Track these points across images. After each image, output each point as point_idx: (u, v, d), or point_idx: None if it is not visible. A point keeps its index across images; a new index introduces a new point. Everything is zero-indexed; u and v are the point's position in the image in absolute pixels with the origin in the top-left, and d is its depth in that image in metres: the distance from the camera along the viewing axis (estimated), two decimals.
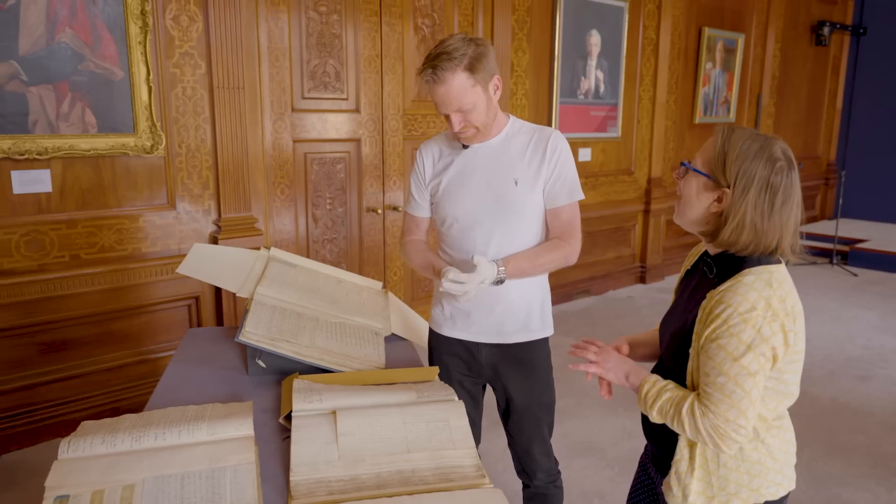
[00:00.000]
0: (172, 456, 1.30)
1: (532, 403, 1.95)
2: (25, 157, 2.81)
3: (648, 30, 5.66)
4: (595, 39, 5.22)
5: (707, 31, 6.23)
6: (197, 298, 3.40)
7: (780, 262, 1.34)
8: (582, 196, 1.89)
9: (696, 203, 1.37)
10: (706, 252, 1.47)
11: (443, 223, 1.93)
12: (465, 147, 1.88)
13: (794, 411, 1.42)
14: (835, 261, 6.89)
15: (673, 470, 1.42)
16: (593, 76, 5.29)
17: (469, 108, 1.73)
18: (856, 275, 6.54)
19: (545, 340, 1.95)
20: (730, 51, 6.60)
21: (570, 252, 1.84)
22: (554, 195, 1.84)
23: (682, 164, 1.41)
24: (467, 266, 1.78)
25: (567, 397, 3.54)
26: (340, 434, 1.40)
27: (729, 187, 1.30)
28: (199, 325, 3.42)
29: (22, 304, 2.91)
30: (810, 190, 8.44)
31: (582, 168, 5.33)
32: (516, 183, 1.81)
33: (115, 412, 3.21)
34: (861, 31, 8.32)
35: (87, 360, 3.15)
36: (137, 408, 3.26)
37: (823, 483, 2.82)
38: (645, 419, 1.55)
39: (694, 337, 1.35)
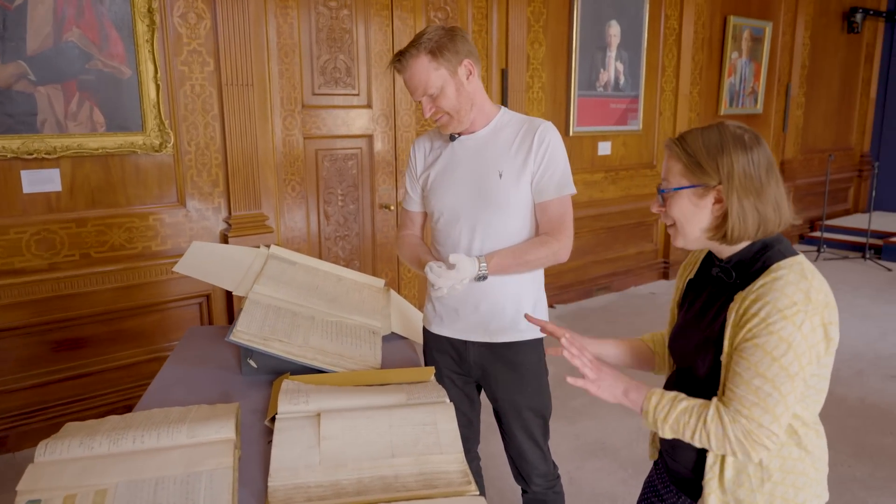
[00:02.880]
0: (148, 460, 1.27)
1: (522, 406, 1.88)
2: (34, 156, 2.83)
3: (671, 19, 5.52)
4: (614, 30, 5.11)
5: (732, 20, 6.06)
6: (208, 296, 3.40)
7: (799, 254, 1.27)
8: (573, 190, 1.81)
9: (696, 217, 1.30)
10: (713, 258, 1.39)
11: (432, 217, 1.90)
12: (452, 139, 1.83)
13: (819, 411, 1.32)
14: (868, 255, 6.66)
15: (707, 491, 1.31)
16: (613, 68, 5.18)
17: (435, 92, 1.72)
18: (890, 269, 6.31)
19: (538, 342, 1.87)
20: (757, 39, 6.42)
21: (558, 249, 1.77)
22: (542, 189, 1.77)
23: (659, 192, 1.34)
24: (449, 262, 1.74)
25: (581, 397, 3.46)
26: (323, 437, 1.35)
27: (720, 183, 1.25)
28: (210, 322, 3.42)
29: (33, 302, 2.93)
30: (842, 182, 8.18)
31: (602, 162, 5.23)
32: (501, 175, 1.76)
33: (127, 410, 3.22)
34: None
35: (99, 359, 3.17)
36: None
37: (848, 487, 2.71)
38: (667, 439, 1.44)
39: (726, 342, 1.26)
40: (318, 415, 1.42)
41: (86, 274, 3.04)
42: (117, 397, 3.22)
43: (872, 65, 8.19)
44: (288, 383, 1.57)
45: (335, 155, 3.80)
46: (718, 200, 1.26)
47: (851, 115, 8.18)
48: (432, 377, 1.68)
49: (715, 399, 1.25)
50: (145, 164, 3.16)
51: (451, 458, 1.34)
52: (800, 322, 1.16)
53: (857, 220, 7.65)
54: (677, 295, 1.52)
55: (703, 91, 6.03)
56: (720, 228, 1.28)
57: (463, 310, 1.84)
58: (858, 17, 7.45)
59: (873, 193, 6.77)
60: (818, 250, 6.83)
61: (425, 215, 1.98)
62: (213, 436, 1.34)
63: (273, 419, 1.47)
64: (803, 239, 7.47)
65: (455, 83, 1.72)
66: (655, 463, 1.59)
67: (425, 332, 1.99)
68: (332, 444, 1.35)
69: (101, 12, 2.92)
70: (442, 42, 1.69)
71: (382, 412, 1.44)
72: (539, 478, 1.94)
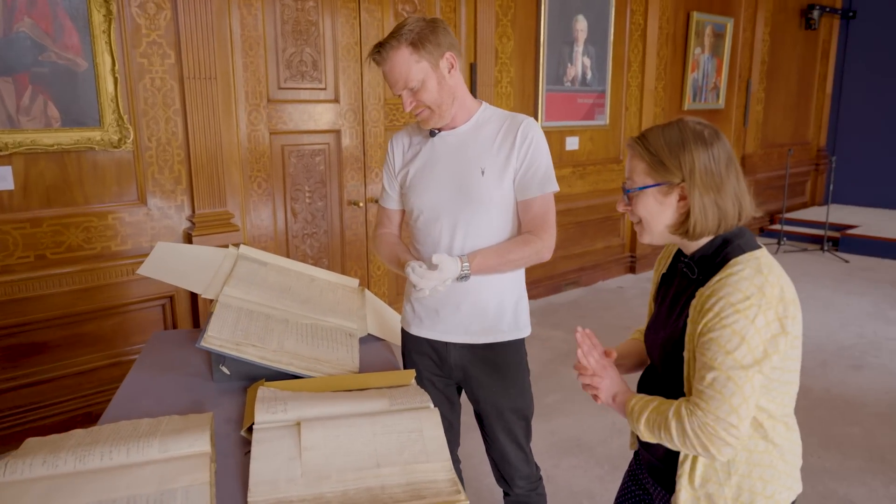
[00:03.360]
0: (119, 478, 1.19)
1: (504, 408, 1.84)
2: None
3: (636, 14, 5.54)
4: (581, 25, 5.10)
5: (696, 16, 6.13)
6: (171, 298, 3.28)
7: (761, 248, 1.29)
8: (556, 188, 1.77)
9: (662, 215, 1.31)
10: (681, 253, 1.40)
11: (411, 216, 1.84)
12: (432, 135, 1.78)
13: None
14: (826, 247, 6.83)
15: (678, 487, 1.33)
16: (580, 63, 5.18)
17: (416, 86, 1.67)
18: (847, 261, 6.48)
19: (520, 342, 1.84)
20: (719, 35, 6.50)
21: (541, 248, 1.73)
22: (525, 186, 1.73)
23: (625, 191, 1.35)
24: (431, 262, 1.69)
25: (555, 393, 3.45)
26: (304, 448, 1.29)
27: (683, 180, 1.26)
28: (174, 325, 3.30)
29: None
30: (800, 176, 8.36)
31: (569, 157, 5.23)
32: (483, 172, 1.71)
33: (88, 417, 3.10)
34: (850, 14, 8.24)
35: (56, 364, 3.03)
36: None
37: (819, 478, 2.75)
38: None
39: (687, 339, 1.28)
40: (298, 424, 1.36)
41: (41, 276, 2.90)
42: (77, 404, 3.09)
43: (828, 61, 8.39)
44: (264, 391, 1.50)
45: (302, 150, 3.71)
46: (682, 198, 1.28)
47: (808, 110, 8.37)
48: (413, 380, 1.64)
49: (682, 398, 1.26)
50: (103, 161, 3.02)
51: (439, 466, 1.30)
52: (753, 315, 1.17)
53: (815, 213, 7.84)
54: (653, 288, 1.53)
55: (668, 86, 6.08)
56: (683, 224, 1.30)
57: (443, 310, 1.79)
58: (815, 13, 7.61)
59: (831, 187, 6.92)
60: (778, 243, 6.97)
61: (403, 213, 1.92)
62: (187, 449, 1.27)
63: (250, 429, 1.40)
64: (763, 232, 7.62)
65: (437, 76, 1.67)
66: (636, 453, 1.59)
67: (404, 333, 1.94)
68: (314, 454, 1.29)
69: (54, 2, 2.78)
70: (424, 34, 1.63)
71: (365, 420, 1.38)
72: (522, 480, 1.90)
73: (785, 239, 7.08)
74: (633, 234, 5.98)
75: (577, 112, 5.24)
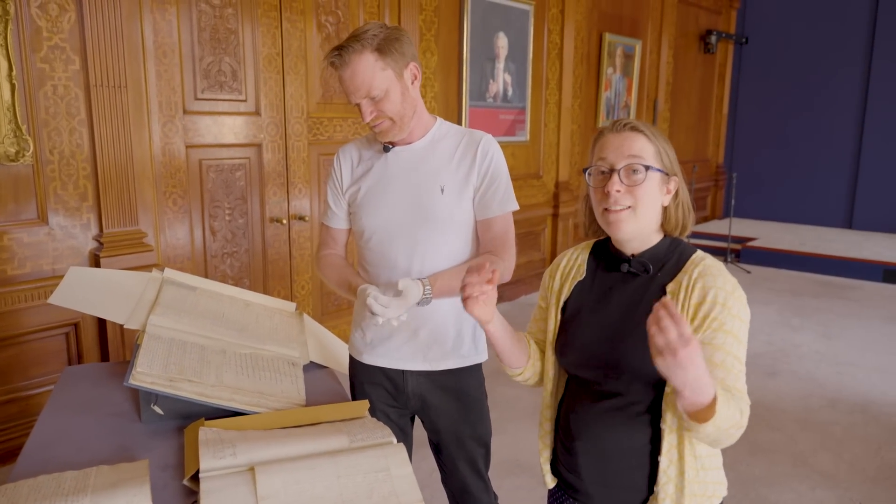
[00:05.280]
0: None
1: (465, 436, 1.76)
2: None
3: (553, 34, 5.66)
4: (502, 42, 5.15)
5: (608, 37, 6.33)
6: (76, 325, 2.99)
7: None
8: (516, 206, 1.72)
9: (657, 203, 1.30)
10: (610, 255, 1.36)
11: (361, 236, 1.72)
12: (385, 150, 1.68)
13: None
14: (729, 258, 7.19)
15: (661, 496, 1.27)
16: (501, 79, 5.22)
17: (379, 95, 1.55)
18: (749, 272, 6.84)
19: (478, 367, 1.77)
20: (628, 56, 6.75)
21: (504, 268, 1.68)
22: (485, 205, 1.67)
23: (646, 167, 1.27)
24: (389, 288, 1.58)
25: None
26: (261, 497, 1.16)
27: (675, 174, 1.31)
28: (79, 355, 3.01)
29: None
30: (702, 191, 8.80)
31: None
32: (442, 190, 1.63)
33: None
34: (744, 40, 8.79)
35: None
36: (6, 455, 2.82)
37: (751, 485, 2.82)
38: (575, 455, 1.35)
39: None
40: (252, 469, 1.22)
41: None
42: None
43: (724, 83, 8.91)
44: (206, 432, 1.35)
45: (221, 165, 3.50)
46: (669, 191, 1.31)
47: (708, 128, 8.84)
48: (367, 412, 1.53)
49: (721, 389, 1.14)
50: None
51: None
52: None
53: (717, 226, 8.26)
54: (558, 298, 1.43)
55: (583, 104, 6.24)
56: (660, 218, 1.32)
57: (399, 337, 1.69)
58: (713, 38, 8.06)
59: (732, 202, 7.31)
60: None
61: (350, 232, 1.81)
62: None
63: (194, 477, 1.25)
64: None
65: (401, 86, 1.57)
66: (552, 493, 1.48)
67: (354, 362, 1.82)
68: (273, 503, 1.16)
69: None
70: (389, 40, 1.53)
71: (326, 460, 1.26)
72: None
73: None
74: (553, 249, 6.07)
75: (499, 128, 5.27)
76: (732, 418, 1.14)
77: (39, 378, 2.92)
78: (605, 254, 1.40)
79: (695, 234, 7.77)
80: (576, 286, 1.41)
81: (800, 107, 8.52)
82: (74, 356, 3.01)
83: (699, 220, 8.70)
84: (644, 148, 1.28)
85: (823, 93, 8.33)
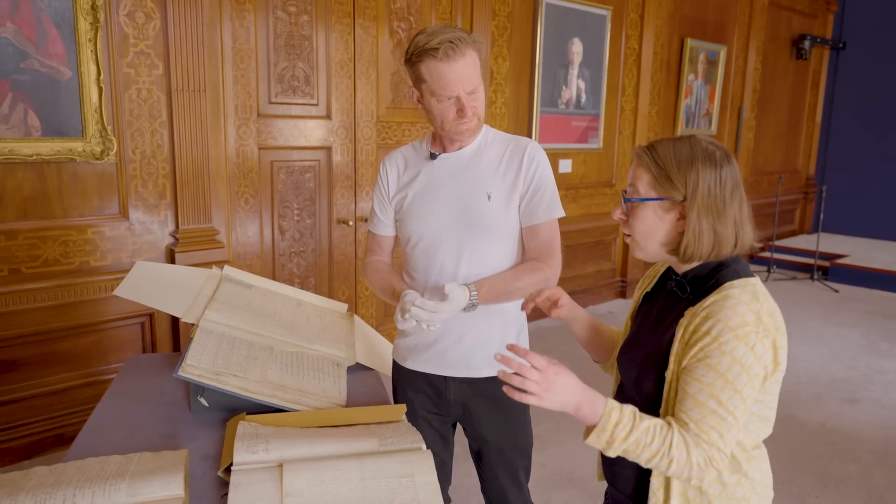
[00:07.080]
0: None
1: (506, 446, 1.75)
2: None
3: (631, 39, 5.53)
4: (577, 48, 5.08)
5: (689, 42, 6.13)
6: (151, 316, 3.16)
7: (754, 276, 1.25)
8: (562, 213, 1.71)
9: (658, 231, 1.26)
10: (671, 272, 1.35)
11: (407, 242, 1.73)
12: (433, 157, 1.69)
13: (782, 438, 1.29)
14: (815, 276, 6.81)
15: None
16: (575, 85, 5.15)
17: (476, 91, 1.57)
18: (837, 291, 6.46)
19: None
20: (712, 62, 6.52)
21: (550, 275, 1.66)
22: (531, 211, 1.66)
23: (625, 199, 1.29)
24: (435, 292, 1.58)
25: (545, 422, 3.35)
26: (286, 494, 1.19)
27: (685, 199, 1.21)
28: (153, 344, 3.18)
29: None
30: (790, 204, 8.38)
31: (562, 180, 5.17)
32: (489, 197, 1.63)
33: (59, 439, 2.97)
34: (841, 45, 8.31)
35: (27, 383, 2.90)
36: None
37: None
38: (607, 460, 1.39)
39: (672, 359, 1.22)
40: (281, 465, 1.26)
41: (15, 291, 2.78)
42: (47, 426, 2.95)
43: (818, 91, 8.45)
44: (244, 426, 1.40)
45: (292, 167, 3.62)
46: (682, 216, 1.23)
47: (798, 138, 8.41)
48: (404, 416, 1.54)
49: (672, 422, 1.17)
50: (85, 173, 2.92)
51: None
52: (752, 343, 1.14)
53: (804, 241, 7.84)
54: (633, 306, 1.47)
55: (661, 111, 6.07)
56: (677, 244, 1.25)
57: (444, 343, 1.69)
58: (807, 44, 7.66)
59: (821, 216, 6.92)
60: (768, 270, 6.94)
61: (396, 239, 1.83)
62: (158, 493, 1.17)
63: (228, 469, 1.30)
64: (753, 259, 7.61)
65: (483, 87, 1.60)
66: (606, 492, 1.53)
67: (397, 367, 1.83)
68: (296, 501, 1.19)
69: (39, 8, 2.68)
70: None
71: (352, 462, 1.28)
72: None
73: (775, 266, 7.06)
74: (625, 259, 5.93)
75: (570, 135, 5.20)
76: (655, 450, 1.14)
77: (116, 364, 3.10)
78: (671, 269, 1.39)
79: (779, 249, 7.42)
80: (644, 295, 1.44)
81: None
82: (149, 345, 3.19)
83: (786, 234, 8.28)
84: (640, 176, 1.26)
85: None
